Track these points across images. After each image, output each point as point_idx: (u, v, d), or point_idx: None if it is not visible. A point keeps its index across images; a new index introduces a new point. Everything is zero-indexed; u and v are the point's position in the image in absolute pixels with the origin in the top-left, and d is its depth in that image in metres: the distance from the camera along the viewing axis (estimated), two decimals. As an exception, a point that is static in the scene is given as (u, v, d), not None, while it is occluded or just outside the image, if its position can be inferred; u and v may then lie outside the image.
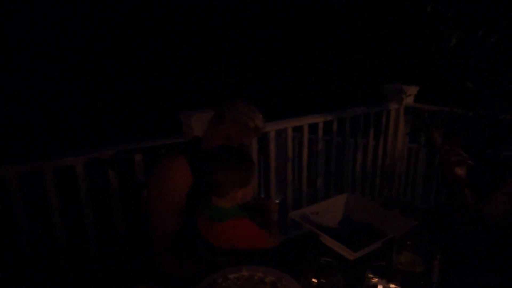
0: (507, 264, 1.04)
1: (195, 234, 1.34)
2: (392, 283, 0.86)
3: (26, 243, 1.75)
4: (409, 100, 3.01)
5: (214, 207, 1.28)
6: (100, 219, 1.94)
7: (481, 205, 1.16)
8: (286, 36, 13.10)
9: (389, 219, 1.36)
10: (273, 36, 13.19)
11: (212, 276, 1.09)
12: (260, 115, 1.44)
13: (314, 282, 0.77)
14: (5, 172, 1.65)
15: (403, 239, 0.98)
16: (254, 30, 13.46)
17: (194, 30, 13.50)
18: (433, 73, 2.83)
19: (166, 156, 1.42)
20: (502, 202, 1.15)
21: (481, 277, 0.94)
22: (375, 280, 0.88)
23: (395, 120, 3.07)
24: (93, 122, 7.20)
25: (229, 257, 1.20)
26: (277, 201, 1.64)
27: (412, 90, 2.98)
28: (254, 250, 1.23)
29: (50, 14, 12.67)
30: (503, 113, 2.23)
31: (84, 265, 1.92)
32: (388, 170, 3.20)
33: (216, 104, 1.47)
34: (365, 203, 1.51)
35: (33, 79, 9.85)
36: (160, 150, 1.71)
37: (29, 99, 8.54)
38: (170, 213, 1.36)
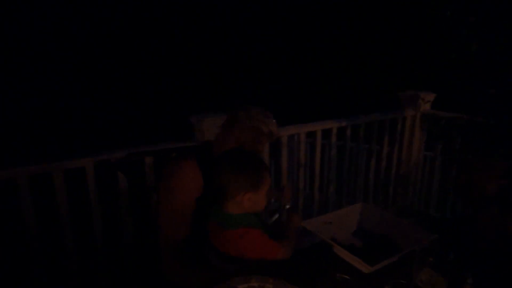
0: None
1: (204, 240, 1.30)
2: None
3: (35, 244, 1.74)
4: (426, 107, 2.92)
5: (223, 212, 1.24)
6: (109, 222, 1.92)
7: (508, 219, 1.09)
8: (303, 41, 13.06)
9: (406, 230, 1.29)
10: (289, 41, 13.17)
11: (220, 286, 1.05)
12: (274, 120, 1.41)
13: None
14: (16, 173, 1.64)
15: (424, 254, 0.91)
16: (269, 34, 13.46)
17: (209, 35, 13.57)
18: (452, 80, 2.75)
19: (177, 160, 1.39)
20: None
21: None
22: (393, 298, 0.83)
23: (411, 127, 2.98)
24: (104, 125, 7.25)
25: (238, 265, 1.15)
26: (287, 206, 1.57)
27: (429, 96, 2.89)
28: (264, 260, 1.18)
29: (71, 15, 12.88)
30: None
31: (90, 268, 1.90)
32: (403, 178, 3.11)
33: (229, 109, 1.44)
34: (380, 213, 1.44)
35: (45, 82, 10.01)
36: (170, 154, 1.68)
37: (40, 101, 8.66)
38: (179, 219, 1.32)
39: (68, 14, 12.84)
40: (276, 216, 1.56)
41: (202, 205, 1.34)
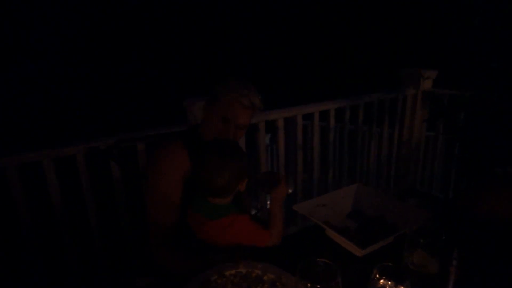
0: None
1: (186, 230, 1.27)
2: (402, 285, 0.76)
3: (28, 235, 1.72)
4: (427, 85, 2.84)
5: (208, 204, 1.20)
6: (102, 211, 1.90)
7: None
8: (300, 20, 12.79)
9: (402, 211, 1.25)
10: (286, 20, 12.90)
11: (207, 272, 1.02)
12: (255, 90, 1.33)
13: (308, 286, 0.68)
14: (4, 162, 1.62)
15: (415, 236, 0.87)
16: (266, 14, 13.19)
17: (201, 19, 13.34)
18: (453, 55, 2.66)
19: (163, 144, 1.35)
20: None
21: (502, 282, 0.83)
22: (382, 281, 0.79)
23: (412, 106, 2.91)
24: (96, 114, 7.20)
25: (225, 254, 1.12)
26: (290, 191, 1.53)
27: (431, 73, 2.80)
28: (253, 247, 1.15)
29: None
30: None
31: (85, 258, 1.89)
32: (405, 159, 3.05)
33: (210, 87, 1.38)
34: (376, 194, 1.40)
35: (35, 71, 9.92)
36: (161, 139, 1.64)
37: (29, 91, 8.60)
38: (167, 203, 1.29)
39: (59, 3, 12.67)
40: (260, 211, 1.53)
41: (191, 191, 1.31)
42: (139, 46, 11.84)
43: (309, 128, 2.84)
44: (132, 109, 7.43)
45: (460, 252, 0.83)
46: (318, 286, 0.67)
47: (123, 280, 1.76)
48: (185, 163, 1.30)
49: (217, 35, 12.22)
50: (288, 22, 12.86)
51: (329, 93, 3.07)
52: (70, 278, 1.84)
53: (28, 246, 1.74)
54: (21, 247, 1.74)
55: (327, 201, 1.35)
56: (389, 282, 0.79)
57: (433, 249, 0.84)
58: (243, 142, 2.15)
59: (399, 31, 9.72)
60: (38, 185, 1.82)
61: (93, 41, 11.90)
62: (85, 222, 1.86)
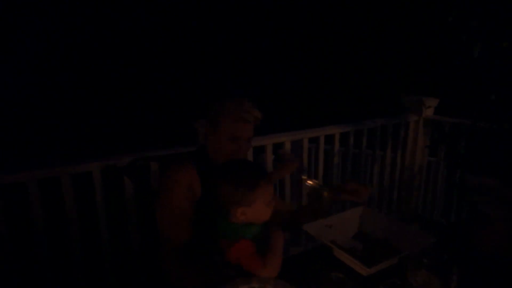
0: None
1: (208, 246, 1.32)
2: (407, 303, 0.82)
3: (43, 248, 1.78)
4: (428, 112, 2.94)
5: (226, 222, 1.21)
6: (115, 227, 1.95)
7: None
8: (307, 46, 13.11)
9: (406, 234, 1.31)
10: (293, 45, 13.23)
11: (222, 287, 1.08)
12: (252, 104, 1.39)
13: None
14: (25, 177, 1.69)
15: (419, 256, 0.94)
16: (270, 39, 13.54)
17: (210, 40, 13.70)
18: (454, 85, 2.76)
19: (174, 164, 1.41)
20: None
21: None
22: (388, 298, 0.85)
23: (414, 132, 3.00)
24: (113, 131, 7.33)
25: (238, 269, 1.17)
26: (304, 177, 1.55)
27: (432, 102, 2.91)
28: None
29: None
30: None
31: (97, 272, 1.93)
32: (407, 183, 3.12)
33: (206, 113, 1.43)
34: (381, 217, 1.46)
35: (54, 87, 10.16)
36: (173, 159, 1.72)
37: (49, 107, 8.79)
38: (177, 221, 1.34)
39: (76, 21, 13.06)
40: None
41: (202, 209, 1.37)
42: (154, 62, 12.13)
43: (313, 150, 2.93)
44: (142, 126, 7.58)
45: (460, 270, 0.89)
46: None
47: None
48: (194, 183, 1.36)
49: (224, 60, 12.52)
50: (295, 46, 13.19)
51: (333, 118, 3.17)
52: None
53: (40, 262, 1.79)
54: (33, 264, 1.80)
55: (334, 223, 1.41)
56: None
57: (435, 269, 0.90)
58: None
59: (403, 60, 9.98)
60: (47, 199, 1.89)
61: (109, 54, 12.20)
62: (97, 237, 1.92)
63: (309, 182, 1.44)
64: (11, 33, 11.59)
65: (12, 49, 11.29)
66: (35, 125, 7.52)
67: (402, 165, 3.07)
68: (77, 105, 9.03)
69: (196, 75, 11.49)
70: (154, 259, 1.56)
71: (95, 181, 1.86)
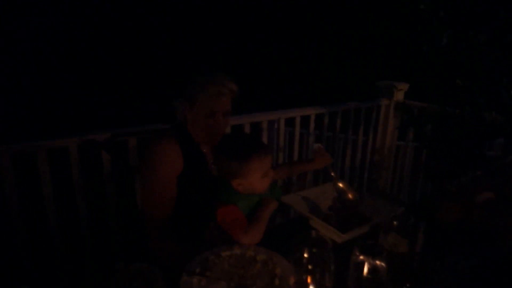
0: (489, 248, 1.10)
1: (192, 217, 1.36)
2: (378, 260, 0.91)
3: (18, 225, 1.76)
4: (399, 96, 3.07)
5: (230, 189, 1.26)
6: (93, 203, 1.95)
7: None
8: (283, 33, 13.13)
9: (377, 205, 1.41)
10: (270, 32, 13.21)
11: (205, 253, 1.13)
12: (226, 76, 1.42)
13: (305, 254, 0.81)
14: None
15: (389, 220, 1.03)
16: (250, 26, 13.46)
17: (192, 22, 13.43)
18: (424, 71, 2.90)
19: (155, 138, 1.42)
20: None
21: (462, 257, 1.00)
22: (362, 257, 0.93)
23: (385, 115, 3.13)
24: (88, 110, 7.14)
25: (221, 236, 1.22)
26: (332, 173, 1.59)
27: (403, 86, 3.05)
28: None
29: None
30: (488, 112, 2.31)
31: (76, 249, 1.93)
32: (377, 165, 3.27)
33: (181, 93, 1.44)
34: (353, 190, 1.55)
35: (34, 68, 9.73)
36: (152, 134, 1.72)
37: (28, 88, 8.45)
38: (162, 196, 1.37)
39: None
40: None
41: (184, 182, 1.40)
42: (132, 44, 11.78)
43: (288, 133, 3.01)
44: (120, 106, 7.43)
45: (426, 230, 0.99)
46: (314, 250, 0.80)
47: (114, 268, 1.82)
48: (178, 157, 1.38)
49: (203, 43, 12.34)
50: (276, 30, 13.17)
51: (309, 101, 3.26)
52: (60, 268, 1.88)
53: (16, 238, 1.77)
54: (8, 241, 1.77)
55: (310, 195, 1.49)
56: (368, 258, 0.93)
57: (403, 231, 0.99)
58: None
59: (375, 47, 10.21)
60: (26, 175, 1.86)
61: (89, 39, 11.74)
62: (74, 214, 1.91)
63: (340, 184, 1.49)
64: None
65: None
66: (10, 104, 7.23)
67: (373, 147, 3.21)
68: (58, 84, 8.72)
69: (176, 54, 11.26)
70: (134, 232, 1.58)
71: (72, 157, 1.84)
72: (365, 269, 0.91)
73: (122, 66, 10.30)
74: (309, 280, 0.86)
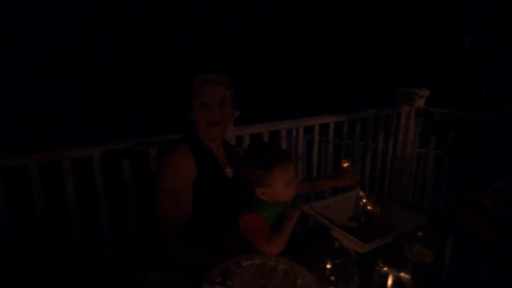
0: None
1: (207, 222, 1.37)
2: (402, 272, 0.88)
3: (44, 231, 1.80)
4: (420, 103, 3.01)
5: (254, 198, 1.26)
6: (115, 211, 1.99)
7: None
8: (302, 38, 13.15)
9: (401, 214, 1.37)
10: (286, 37, 13.25)
11: (226, 262, 1.12)
12: (210, 69, 1.49)
13: (328, 265, 0.80)
14: (26, 160, 1.71)
15: (414, 231, 1.00)
16: (267, 31, 13.54)
17: (206, 29, 13.64)
18: (446, 77, 2.83)
19: (170, 148, 1.48)
20: None
21: (491, 270, 0.96)
22: (386, 269, 0.91)
23: (406, 122, 3.07)
24: (113, 120, 7.34)
25: (242, 246, 1.21)
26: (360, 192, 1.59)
27: (424, 92, 2.99)
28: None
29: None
30: (516, 117, 2.24)
31: (98, 255, 1.97)
32: (398, 172, 3.20)
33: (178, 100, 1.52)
34: (376, 198, 1.52)
35: (56, 76, 10.10)
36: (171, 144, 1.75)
37: (52, 96, 8.78)
38: (177, 202, 1.40)
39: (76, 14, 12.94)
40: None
41: (198, 188, 1.43)
42: (150, 51, 12.09)
43: (306, 141, 3.00)
44: (136, 115, 7.61)
45: (454, 242, 0.95)
46: (337, 260, 0.78)
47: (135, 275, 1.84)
48: (191, 164, 1.43)
49: (218, 49, 12.50)
50: (291, 37, 13.21)
51: (329, 109, 3.24)
52: (82, 273, 1.92)
53: (41, 244, 1.81)
54: (34, 245, 1.82)
55: (331, 204, 1.47)
56: (392, 269, 0.91)
57: (428, 242, 0.96)
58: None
59: (396, 53, 10.08)
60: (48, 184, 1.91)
61: (109, 46, 12.13)
62: (97, 221, 1.95)
63: (365, 201, 1.47)
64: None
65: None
66: (38, 114, 7.53)
67: (394, 154, 3.15)
68: (79, 95, 9.03)
69: (196, 65, 11.47)
70: (154, 240, 1.60)
71: (95, 165, 1.89)
72: (389, 281, 0.88)
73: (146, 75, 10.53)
74: (332, 291, 0.84)
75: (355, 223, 1.40)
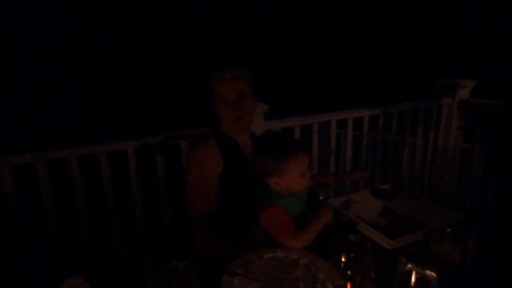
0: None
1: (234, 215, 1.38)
2: (428, 270, 0.84)
3: (83, 222, 1.91)
4: (463, 94, 2.82)
5: (267, 188, 1.26)
6: (147, 203, 2.06)
7: None
8: (336, 27, 12.84)
9: (432, 211, 1.30)
10: (323, 27, 12.99)
11: (248, 254, 1.13)
12: (228, 63, 1.51)
13: (343, 258, 0.77)
14: (67, 154, 1.82)
15: (443, 228, 0.94)
16: (298, 24, 13.36)
17: (228, 24, 13.70)
18: (492, 67, 2.64)
19: (198, 141, 1.51)
20: None
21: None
22: (409, 266, 0.86)
23: (448, 115, 2.90)
24: (146, 115, 7.61)
25: (266, 240, 1.21)
26: (321, 197, 1.58)
27: (467, 83, 2.79)
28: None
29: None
30: None
31: (130, 246, 2.05)
32: (439, 168, 3.03)
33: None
34: (406, 194, 1.46)
35: (96, 75, 10.65)
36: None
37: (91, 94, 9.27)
38: (204, 194, 1.43)
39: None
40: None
41: (224, 182, 1.45)
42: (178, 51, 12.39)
43: (341, 136, 2.91)
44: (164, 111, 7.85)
45: (478, 237, 0.88)
46: (352, 254, 0.75)
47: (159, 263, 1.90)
48: (217, 157, 1.45)
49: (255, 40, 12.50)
50: (322, 27, 12.95)
51: (364, 101, 3.13)
52: (116, 263, 2.01)
53: (82, 233, 1.92)
54: (73, 235, 1.93)
55: (359, 199, 1.43)
56: (416, 267, 0.86)
57: (458, 239, 0.90)
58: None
59: (437, 41, 9.50)
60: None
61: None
62: (131, 212, 2.03)
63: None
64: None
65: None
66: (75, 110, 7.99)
67: (434, 149, 2.98)
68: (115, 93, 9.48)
69: (220, 59, 11.60)
70: (186, 232, 1.65)
71: (129, 159, 1.96)
72: (413, 279, 0.84)
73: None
74: (348, 286, 0.81)
75: (384, 219, 1.34)
